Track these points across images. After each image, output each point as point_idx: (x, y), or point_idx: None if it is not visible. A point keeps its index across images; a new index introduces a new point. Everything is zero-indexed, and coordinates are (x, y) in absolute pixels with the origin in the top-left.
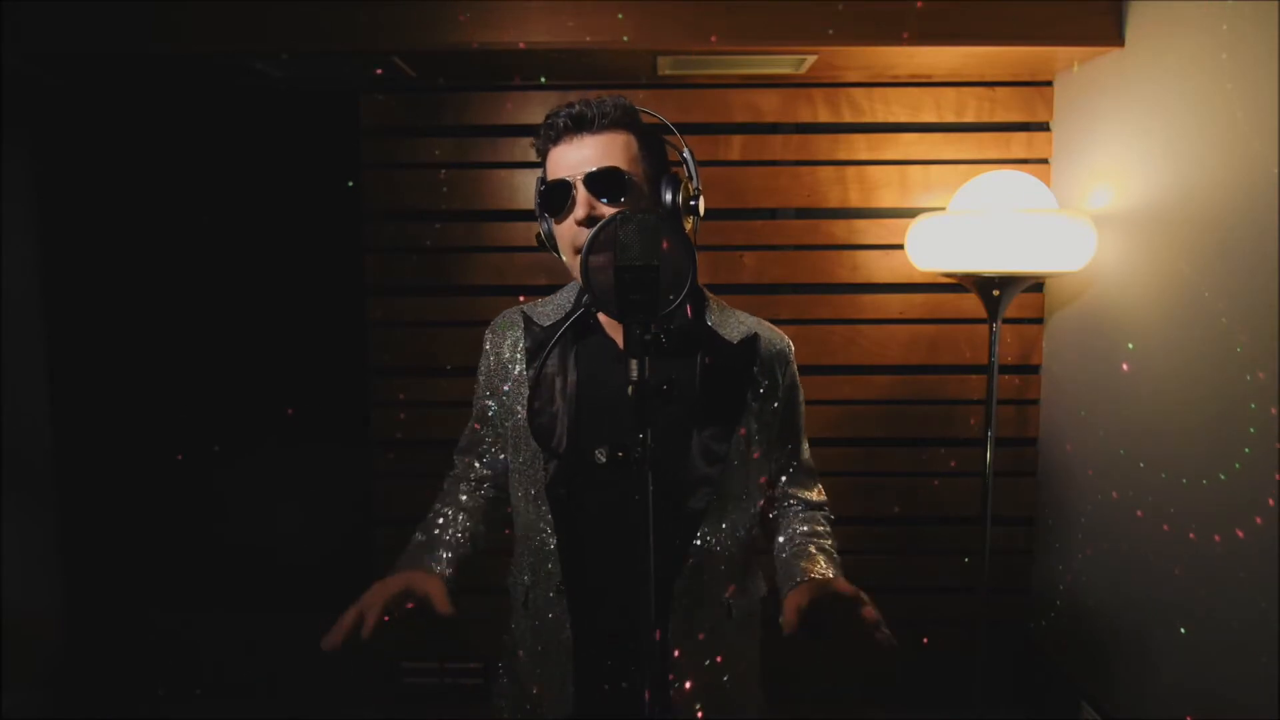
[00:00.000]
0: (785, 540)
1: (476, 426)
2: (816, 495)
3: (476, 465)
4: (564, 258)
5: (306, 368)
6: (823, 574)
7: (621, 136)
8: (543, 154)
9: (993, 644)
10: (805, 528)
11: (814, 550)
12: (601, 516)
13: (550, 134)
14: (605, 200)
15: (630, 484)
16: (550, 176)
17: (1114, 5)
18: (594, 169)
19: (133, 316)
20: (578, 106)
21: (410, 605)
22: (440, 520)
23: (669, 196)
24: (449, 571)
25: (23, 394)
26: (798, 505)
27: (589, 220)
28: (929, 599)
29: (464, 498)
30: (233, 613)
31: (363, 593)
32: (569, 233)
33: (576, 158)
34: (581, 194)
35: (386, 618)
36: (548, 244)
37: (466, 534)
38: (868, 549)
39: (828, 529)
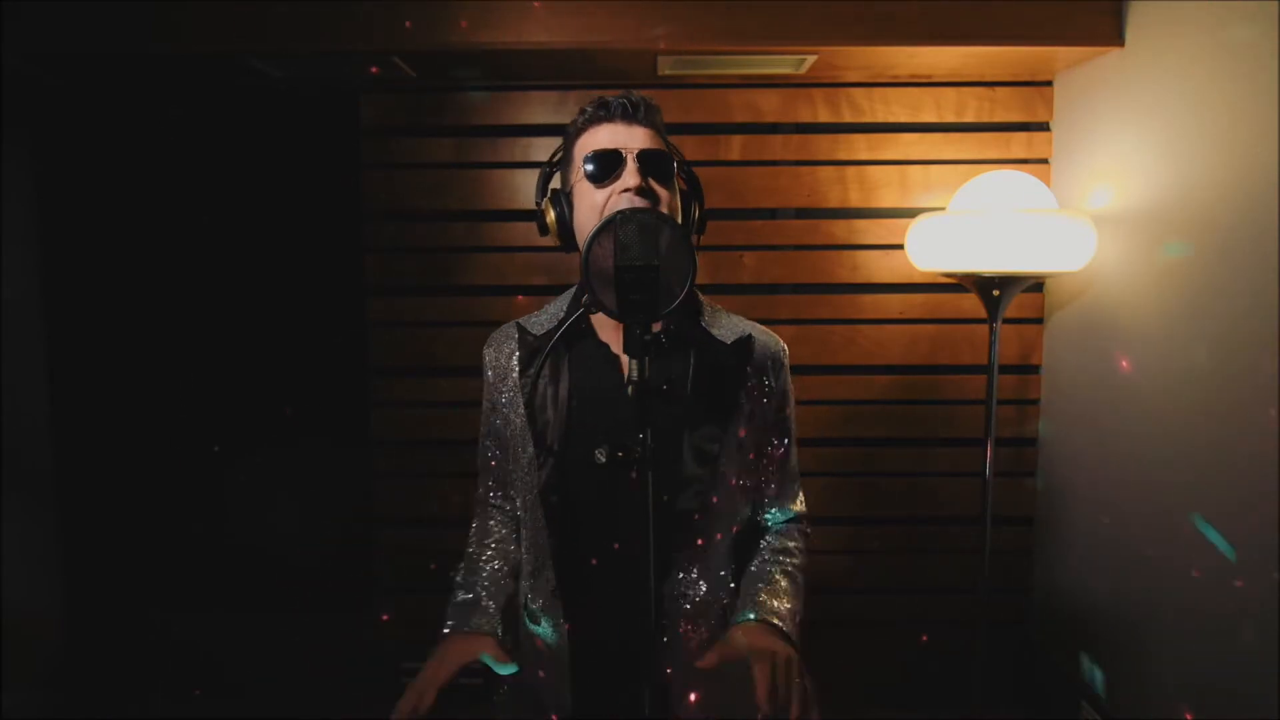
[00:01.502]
0: (756, 552)
1: (488, 444)
2: (797, 505)
3: (492, 484)
4: (583, 229)
5: (306, 368)
6: (776, 610)
7: (661, 138)
8: (580, 130)
9: (993, 644)
10: (777, 542)
11: (778, 575)
12: (596, 521)
13: (601, 113)
14: (655, 180)
15: (625, 485)
16: (595, 147)
17: (1114, 5)
18: (650, 147)
19: (133, 316)
20: (634, 96)
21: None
22: (480, 565)
23: (695, 211)
24: (498, 627)
25: (23, 394)
26: (777, 513)
27: (640, 191)
28: (929, 599)
29: (498, 529)
30: (233, 613)
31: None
32: (607, 199)
33: (627, 136)
34: (634, 164)
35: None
36: (562, 214)
37: (505, 574)
38: (868, 549)
39: (799, 544)
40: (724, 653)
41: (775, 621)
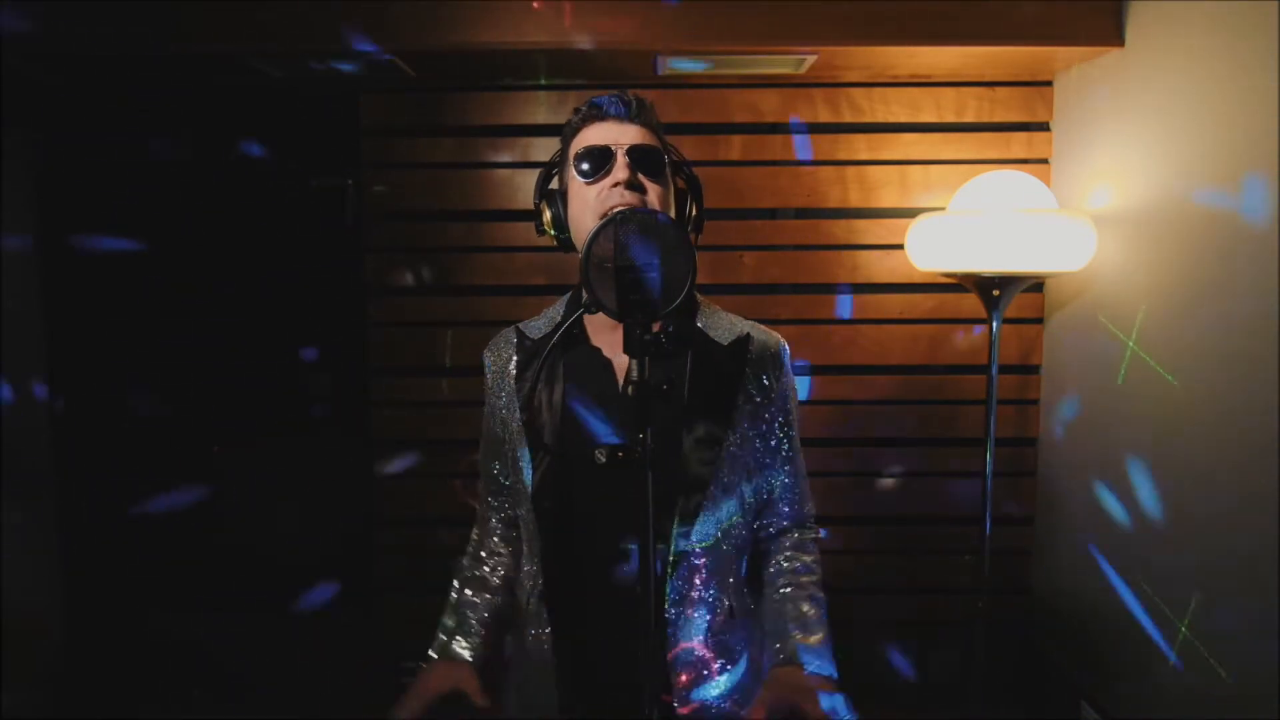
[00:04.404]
0: (774, 571)
1: (489, 449)
2: (807, 507)
3: (492, 488)
4: (577, 226)
5: (307, 367)
6: (811, 648)
7: (654, 136)
8: (575, 130)
9: (993, 644)
10: (794, 560)
11: (804, 604)
12: (589, 524)
13: (594, 112)
14: (644, 174)
15: (621, 488)
16: (587, 144)
17: (1114, 5)
18: (640, 143)
19: (133, 317)
20: (627, 94)
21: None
22: (469, 576)
23: (691, 210)
24: (481, 653)
25: (23, 394)
26: (787, 517)
27: (630, 185)
28: (929, 599)
29: (492, 535)
30: (232, 613)
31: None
32: (598, 195)
33: (619, 132)
34: (624, 159)
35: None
36: (558, 213)
37: (495, 585)
38: (868, 549)
39: (815, 557)
40: (772, 705)
41: (814, 661)
